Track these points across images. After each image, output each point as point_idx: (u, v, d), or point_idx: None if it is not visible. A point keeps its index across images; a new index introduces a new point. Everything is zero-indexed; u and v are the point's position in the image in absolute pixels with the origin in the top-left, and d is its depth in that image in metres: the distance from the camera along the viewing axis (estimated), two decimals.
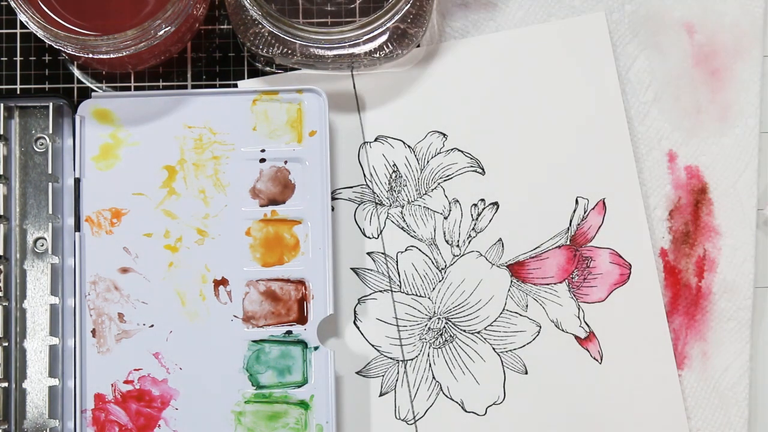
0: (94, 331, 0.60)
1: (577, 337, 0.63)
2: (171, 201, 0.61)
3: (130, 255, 0.61)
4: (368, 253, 0.63)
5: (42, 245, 0.61)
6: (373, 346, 0.62)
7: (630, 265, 0.63)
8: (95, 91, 0.63)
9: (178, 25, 0.58)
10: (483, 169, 0.63)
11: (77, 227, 0.61)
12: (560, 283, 0.63)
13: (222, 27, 0.64)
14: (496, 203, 0.63)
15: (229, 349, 0.60)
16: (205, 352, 0.60)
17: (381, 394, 0.62)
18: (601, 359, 0.62)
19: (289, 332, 0.60)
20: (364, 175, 0.63)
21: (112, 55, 0.58)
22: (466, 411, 0.62)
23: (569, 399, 0.62)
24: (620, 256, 0.63)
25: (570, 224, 0.63)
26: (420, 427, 0.62)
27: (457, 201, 0.63)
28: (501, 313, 0.63)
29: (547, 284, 0.63)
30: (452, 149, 0.63)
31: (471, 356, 0.62)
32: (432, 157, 0.63)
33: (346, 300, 0.63)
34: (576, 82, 0.64)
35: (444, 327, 0.62)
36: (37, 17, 0.57)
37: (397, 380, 0.62)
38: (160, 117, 0.61)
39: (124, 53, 0.58)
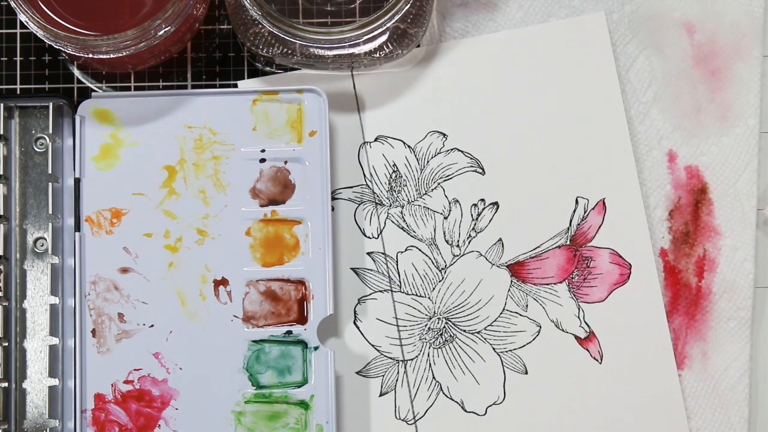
0: (94, 331, 0.60)
1: (577, 337, 0.63)
2: (171, 201, 0.61)
3: (130, 255, 0.61)
4: (368, 253, 0.63)
5: (42, 245, 0.61)
6: (373, 346, 0.62)
7: (630, 265, 0.63)
8: (95, 91, 0.63)
9: (178, 25, 0.58)
10: (483, 169, 0.63)
11: (77, 227, 0.61)
12: (560, 283, 0.63)
13: (222, 27, 0.64)
14: (496, 203, 0.63)
15: (229, 349, 0.60)
16: (205, 352, 0.60)
17: (381, 394, 0.62)
18: (601, 359, 0.62)
19: (289, 332, 0.60)
20: (364, 175, 0.63)
21: (112, 55, 0.58)
22: (466, 411, 0.62)
23: (569, 399, 0.62)
24: (620, 256, 0.63)
25: (570, 224, 0.63)
26: (420, 427, 0.62)
27: (457, 201, 0.63)
28: (501, 313, 0.63)
29: (547, 284, 0.63)
30: (452, 149, 0.63)
31: (471, 356, 0.62)
32: (432, 157, 0.63)
33: (346, 300, 0.63)
34: (576, 82, 0.64)
35: (444, 327, 0.62)
36: (37, 17, 0.57)
37: (397, 380, 0.62)
38: (160, 117, 0.61)
39: (124, 53, 0.58)
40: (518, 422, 0.62)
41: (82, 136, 0.61)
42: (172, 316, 0.60)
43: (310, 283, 0.60)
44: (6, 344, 0.60)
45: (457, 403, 0.62)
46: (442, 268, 0.63)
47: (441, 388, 0.62)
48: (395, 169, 0.63)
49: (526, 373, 0.62)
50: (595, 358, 0.62)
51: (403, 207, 0.63)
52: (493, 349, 0.62)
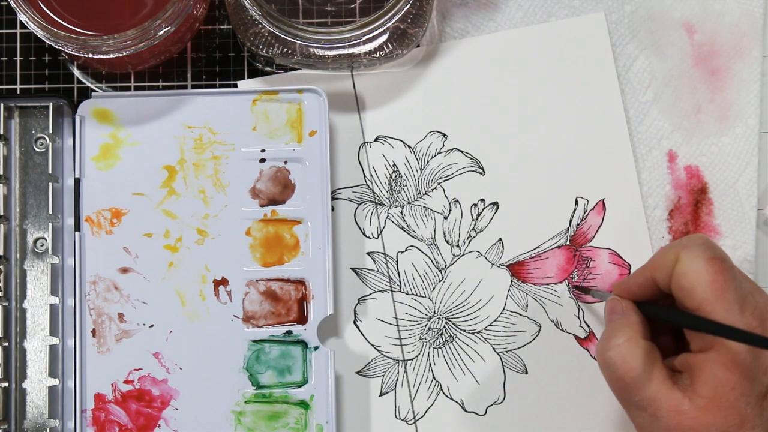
0: (94, 331, 0.60)
1: (577, 337, 0.63)
2: (171, 201, 0.61)
3: (130, 255, 0.61)
4: (368, 253, 0.63)
5: (42, 245, 0.61)
6: (373, 346, 0.62)
7: (630, 265, 0.63)
8: (95, 91, 0.63)
9: (178, 25, 0.58)
10: (483, 169, 0.63)
11: (77, 227, 0.61)
12: (560, 283, 0.63)
13: (222, 27, 0.64)
14: (496, 203, 0.63)
15: (229, 349, 0.60)
16: (205, 352, 0.60)
17: (381, 394, 0.62)
18: None
19: (289, 332, 0.60)
20: (364, 175, 0.63)
21: (112, 55, 0.58)
22: (466, 411, 0.62)
23: (569, 399, 0.62)
24: (620, 256, 0.63)
25: (570, 224, 0.63)
26: (420, 427, 0.62)
27: (457, 201, 0.63)
28: (501, 313, 0.63)
29: (547, 284, 0.63)
30: (452, 149, 0.63)
31: (471, 356, 0.62)
32: (432, 157, 0.63)
33: (346, 300, 0.63)
34: (576, 82, 0.64)
35: (444, 327, 0.62)
36: (37, 17, 0.57)
37: (397, 380, 0.62)
38: (160, 117, 0.61)
39: (124, 53, 0.58)
40: (518, 422, 0.62)
41: (82, 136, 0.61)
42: (172, 316, 0.60)
43: (310, 283, 0.60)
44: (6, 344, 0.60)
45: (457, 403, 0.62)
46: (442, 268, 0.63)
47: (441, 388, 0.62)
48: (395, 169, 0.63)
49: (526, 373, 0.62)
50: (595, 358, 0.62)
51: (403, 207, 0.63)
52: (493, 349, 0.62)
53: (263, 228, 0.61)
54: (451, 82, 0.64)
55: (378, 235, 0.63)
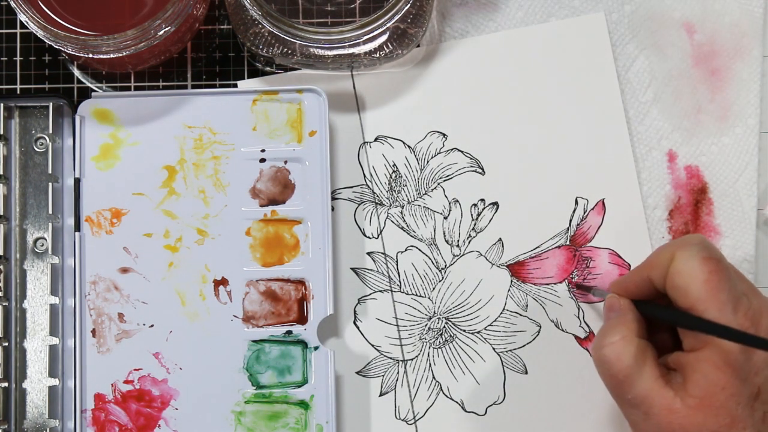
0: (94, 331, 0.60)
1: (577, 337, 0.63)
2: (171, 201, 0.61)
3: (130, 255, 0.61)
4: (368, 253, 0.63)
5: (42, 245, 0.61)
6: (373, 346, 0.62)
7: (629, 265, 0.63)
8: (95, 91, 0.63)
9: (178, 25, 0.58)
10: (483, 169, 0.63)
11: (77, 227, 0.61)
12: (560, 283, 0.63)
13: (222, 27, 0.64)
14: (496, 203, 0.63)
15: (229, 349, 0.60)
16: (205, 352, 0.60)
17: (381, 394, 0.62)
18: None
19: (289, 332, 0.60)
20: (364, 175, 0.63)
21: (112, 55, 0.58)
22: (466, 411, 0.62)
23: (569, 399, 0.62)
24: (619, 257, 0.63)
25: (569, 224, 0.63)
26: (420, 427, 0.62)
27: (457, 201, 0.63)
28: (501, 313, 0.63)
29: (547, 284, 0.63)
30: (452, 149, 0.63)
31: (471, 356, 0.62)
32: (432, 157, 0.63)
33: (346, 300, 0.63)
34: (576, 82, 0.64)
35: (444, 327, 0.62)
36: (37, 17, 0.57)
37: (397, 380, 0.62)
38: (160, 117, 0.61)
39: (124, 53, 0.58)
40: (518, 422, 0.62)
41: (82, 136, 0.61)
42: (172, 316, 0.60)
43: (310, 283, 0.60)
44: (6, 344, 0.60)
45: (457, 403, 0.62)
46: (442, 268, 0.63)
47: (441, 388, 0.62)
48: (395, 169, 0.63)
49: (526, 373, 0.62)
50: None
51: (403, 207, 0.63)
52: (493, 349, 0.62)
53: (263, 228, 0.61)
54: (451, 82, 0.64)
55: (378, 235, 0.63)
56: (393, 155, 0.63)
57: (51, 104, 0.61)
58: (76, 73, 0.64)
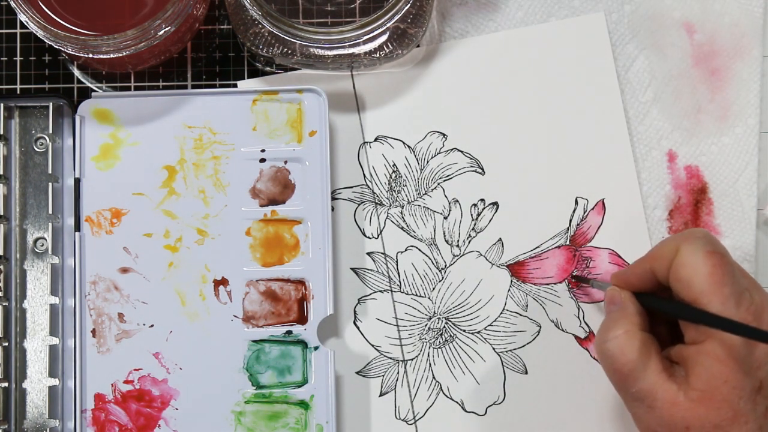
0: (94, 331, 0.60)
1: (577, 337, 0.63)
2: (171, 201, 0.61)
3: (130, 255, 0.61)
4: (368, 253, 0.63)
5: (42, 245, 0.61)
6: (373, 346, 0.62)
7: (629, 265, 0.63)
8: (95, 91, 0.63)
9: (178, 25, 0.58)
10: (483, 169, 0.63)
11: (77, 227, 0.61)
12: (560, 283, 0.63)
13: (222, 27, 0.64)
14: (496, 203, 0.63)
15: (229, 349, 0.60)
16: (205, 352, 0.60)
17: (381, 394, 0.62)
18: None
19: (289, 332, 0.60)
20: (364, 175, 0.63)
21: (112, 55, 0.58)
22: (466, 411, 0.62)
23: (569, 399, 0.62)
24: (619, 256, 0.63)
25: (569, 224, 0.63)
26: (420, 427, 0.62)
27: (457, 201, 0.63)
28: (501, 313, 0.63)
29: (547, 284, 0.63)
30: (452, 149, 0.63)
31: (471, 356, 0.62)
32: (432, 157, 0.63)
33: (346, 300, 0.63)
34: (575, 82, 0.64)
35: (444, 327, 0.62)
36: (37, 17, 0.57)
37: (397, 380, 0.62)
38: (160, 117, 0.61)
39: (124, 53, 0.58)
40: (518, 422, 0.62)
41: (82, 136, 0.61)
42: (172, 316, 0.60)
43: (310, 283, 0.60)
44: (6, 344, 0.60)
45: (457, 403, 0.62)
46: (442, 268, 0.63)
47: (441, 388, 0.62)
48: (395, 169, 0.63)
49: (526, 373, 0.62)
50: (595, 358, 0.62)
51: (403, 207, 0.63)
52: (493, 349, 0.62)
53: (263, 228, 0.61)
54: (451, 82, 0.64)
55: (378, 235, 0.63)
56: (393, 155, 0.63)
57: (51, 104, 0.61)
58: (76, 73, 0.64)
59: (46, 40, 0.57)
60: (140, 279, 0.60)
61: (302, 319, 0.60)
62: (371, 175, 0.63)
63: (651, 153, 0.64)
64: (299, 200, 0.61)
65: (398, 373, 0.62)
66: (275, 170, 0.61)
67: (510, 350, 0.62)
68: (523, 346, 0.63)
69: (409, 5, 0.59)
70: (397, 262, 0.63)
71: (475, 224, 0.63)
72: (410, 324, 0.62)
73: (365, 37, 0.59)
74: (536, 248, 0.63)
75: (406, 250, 0.63)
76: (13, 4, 0.57)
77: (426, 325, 0.62)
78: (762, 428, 0.51)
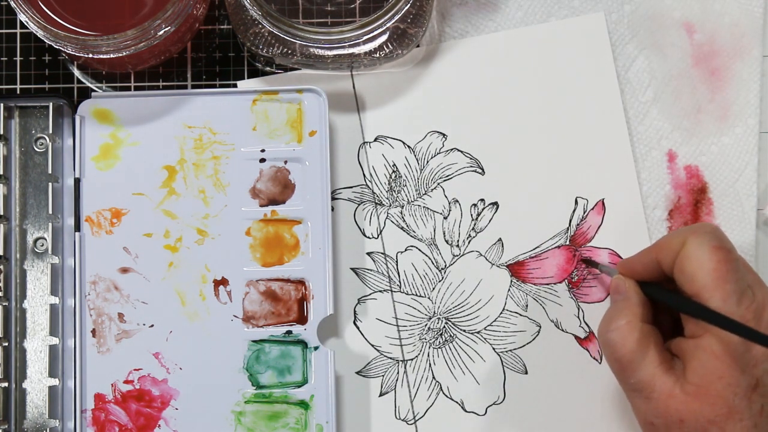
0: (94, 331, 0.60)
1: (577, 337, 0.63)
2: (171, 201, 0.61)
3: (130, 255, 0.61)
4: (368, 253, 0.63)
5: (42, 245, 0.61)
6: (373, 346, 0.62)
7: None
8: (95, 91, 0.63)
9: (178, 25, 0.58)
10: (483, 169, 0.63)
11: (77, 227, 0.61)
12: (560, 283, 0.63)
13: (222, 27, 0.64)
14: (495, 203, 0.63)
15: (229, 349, 0.60)
16: (205, 352, 0.60)
17: (381, 394, 0.62)
18: (601, 359, 0.62)
19: (289, 332, 0.60)
20: (364, 175, 0.63)
21: (112, 55, 0.58)
22: (466, 411, 0.62)
23: (569, 399, 0.62)
24: (619, 256, 0.63)
25: (569, 224, 0.63)
26: (420, 427, 0.62)
27: (457, 201, 0.63)
28: (501, 313, 0.63)
29: (547, 284, 0.63)
30: (452, 149, 0.63)
31: (471, 356, 0.62)
32: (432, 157, 0.63)
33: (346, 300, 0.63)
34: (575, 82, 0.64)
35: (444, 327, 0.62)
36: (37, 17, 0.57)
37: (397, 380, 0.62)
38: (160, 117, 0.61)
39: (124, 53, 0.58)
40: (518, 422, 0.62)
41: (82, 136, 0.61)
42: (172, 316, 0.60)
43: (310, 283, 0.60)
44: (6, 344, 0.60)
45: (457, 403, 0.62)
46: (442, 268, 0.63)
47: (441, 388, 0.62)
48: (395, 169, 0.63)
49: (526, 373, 0.62)
50: (594, 358, 0.62)
51: (402, 207, 0.63)
52: (493, 349, 0.62)
53: (263, 228, 0.61)
54: (451, 82, 0.64)
55: (378, 235, 0.63)
56: (393, 155, 0.63)
57: (51, 104, 0.61)
58: (76, 73, 0.64)
59: (46, 40, 0.57)
60: (140, 279, 0.60)
61: (302, 319, 0.60)
62: (371, 175, 0.63)
63: (651, 153, 0.64)
64: (299, 200, 0.61)
65: (398, 373, 0.62)
66: (275, 170, 0.61)
67: (510, 350, 0.63)
68: (523, 346, 0.63)
69: (409, 5, 0.59)
70: (397, 262, 0.63)
71: (475, 224, 0.63)
72: (410, 324, 0.62)
73: (365, 37, 0.59)
74: (536, 248, 0.63)
75: (406, 250, 0.63)
76: (13, 4, 0.57)
77: (426, 325, 0.62)
78: (757, 426, 0.51)
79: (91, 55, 0.58)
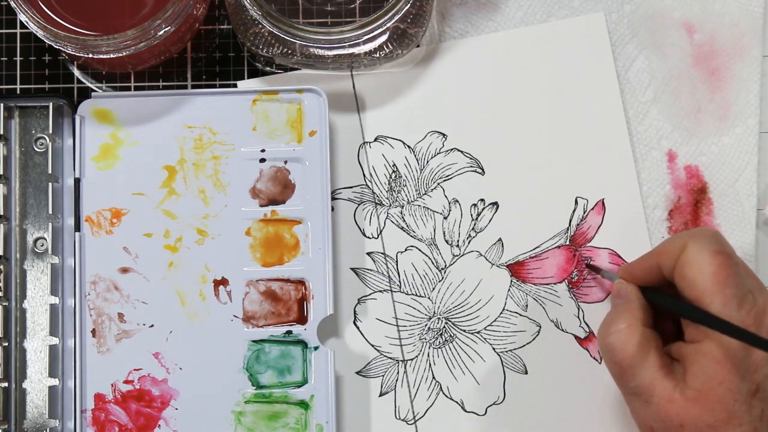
0: (94, 331, 0.60)
1: (577, 337, 0.63)
2: (171, 201, 0.61)
3: (130, 255, 0.61)
4: (368, 253, 0.63)
5: (42, 245, 0.61)
6: (373, 346, 0.62)
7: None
8: (95, 91, 0.63)
9: (178, 25, 0.58)
10: (483, 169, 0.63)
11: (77, 227, 0.61)
12: (560, 283, 0.63)
13: (222, 27, 0.64)
14: (495, 203, 0.63)
15: (229, 349, 0.60)
16: (205, 352, 0.60)
17: (381, 394, 0.62)
18: (601, 359, 0.62)
19: (289, 332, 0.60)
20: (364, 175, 0.63)
21: (112, 55, 0.58)
22: (466, 411, 0.62)
23: (569, 399, 0.62)
24: (619, 256, 0.63)
25: (569, 224, 0.63)
26: (420, 427, 0.62)
27: (457, 201, 0.63)
28: (501, 313, 0.63)
29: (547, 284, 0.63)
30: (452, 149, 0.63)
31: (471, 356, 0.62)
32: (432, 157, 0.63)
33: (346, 300, 0.63)
34: (575, 82, 0.64)
35: (444, 327, 0.62)
36: (37, 17, 0.57)
37: (397, 380, 0.62)
38: (160, 117, 0.61)
39: (124, 53, 0.58)
40: (518, 422, 0.62)
41: (82, 136, 0.61)
42: (172, 316, 0.60)
43: (310, 283, 0.60)
44: (6, 344, 0.60)
45: (457, 403, 0.62)
46: (442, 268, 0.63)
47: (441, 388, 0.62)
48: (395, 169, 0.63)
49: (526, 373, 0.62)
50: (594, 358, 0.62)
51: (402, 207, 0.63)
52: (493, 349, 0.62)
53: (263, 228, 0.61)
54: (451, 82, 0.64)
55: (378, 235, 0.63)
56: (393, 155, 0.63)
57: (51, 104, 0.61)
58: (76, 73, 0.64)
59: (46, 40, 0.57)
60: (140, 279, 0.60)
61: (302, 319, 0.60)
62: (371, 175, 0.63)
63: (651, 153, 0.64)
64: (299, 200, 0.61)
65: (398, 373, 0.62)
66: (275, 170, 0.61)
67: (510, 350, 0.63)
68: (523, 346, 0.63)
69: (409, 5, 0.59)
70: (397, 262, 0.63)
71: (475, 224, 0.63)
72: (410, 324, 0.62)
73: (365, 37, 0.59)
74: (536, 248, 0.63)
75: (406, 250, 0.63)
76: (13, 4, 0.57)
77: (426, 325, 0.62)
78: (757, 430, 0.51)
79: (91, 55, 0.58)
